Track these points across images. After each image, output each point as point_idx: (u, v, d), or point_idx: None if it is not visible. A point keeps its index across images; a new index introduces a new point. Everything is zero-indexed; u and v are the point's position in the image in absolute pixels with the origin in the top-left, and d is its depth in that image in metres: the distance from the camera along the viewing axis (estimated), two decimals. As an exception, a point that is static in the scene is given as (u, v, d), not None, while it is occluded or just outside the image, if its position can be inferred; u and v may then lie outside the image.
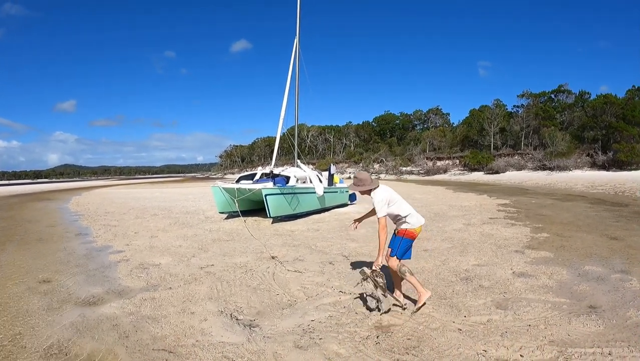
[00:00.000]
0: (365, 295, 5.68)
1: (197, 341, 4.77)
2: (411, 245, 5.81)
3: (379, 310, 5.41)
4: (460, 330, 4.85)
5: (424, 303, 5.56)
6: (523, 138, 67.77)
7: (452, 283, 6.75)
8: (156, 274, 7.82)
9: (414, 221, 5.74)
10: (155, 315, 5.64)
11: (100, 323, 5.40)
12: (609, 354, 4.14)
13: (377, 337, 4.71)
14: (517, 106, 75.79)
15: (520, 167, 57.26)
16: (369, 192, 5.72)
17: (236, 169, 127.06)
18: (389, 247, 5.71)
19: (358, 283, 5.71)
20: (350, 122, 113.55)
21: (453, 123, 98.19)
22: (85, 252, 10.19)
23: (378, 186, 5.75)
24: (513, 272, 7.26)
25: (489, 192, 27.85)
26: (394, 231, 5.85)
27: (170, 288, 6.90)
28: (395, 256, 5.63)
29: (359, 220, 6.59)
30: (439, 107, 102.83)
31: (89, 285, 7.23)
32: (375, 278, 5.50)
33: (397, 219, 5.76)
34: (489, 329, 4.84)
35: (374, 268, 5.54)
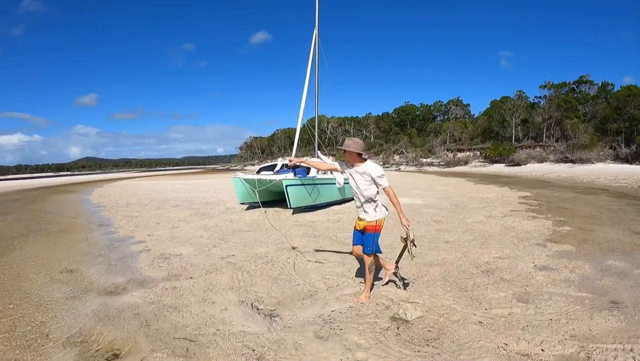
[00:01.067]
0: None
1: (217, 330, 4.84)
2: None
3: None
4: (481, 322, 4.84)
5: (362, 303, 5.54)
6: (545, 130, 66.67)
7: (473, 275, 6.72)
8: (177, 264, 7.94)
9: (383, 210, 5.73)
10: (177, 304, 5.73)
11: (122, 312, 5.51)
12: (631, 350, 4.08)
13: (398, 328, 4.72)
14: (539, 97, 74.30)
15: (541, 160, 56.29)
16: (360, 158, 5.55)
17: (256, 161, 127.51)
18: (364, 248, 5.66)
19: (411, 255, 5.73)
20: (370, 113, 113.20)
21: (474, 114, 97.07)
22: (107, 242, 10.39)
23: None
24: (535, 265, 7.20)
25: (510, 184, 27.53)
26: (361, 226, 5.75)
27: (192, 277, 7.00)
28: (372, 253, 5.63)
29: None
30: (460, 98, 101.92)
31: (111, 275, 7.38)
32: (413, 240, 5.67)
33: (370, 201, 5.60)
34: (510, 322, 4.82)
35: (408, 228, 5.57)
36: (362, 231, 5.73)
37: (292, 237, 10.12)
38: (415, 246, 5.75)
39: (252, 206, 15.94)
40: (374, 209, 5.57)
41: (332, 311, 5.33)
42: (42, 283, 7.07)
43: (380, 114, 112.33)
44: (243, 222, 12.89)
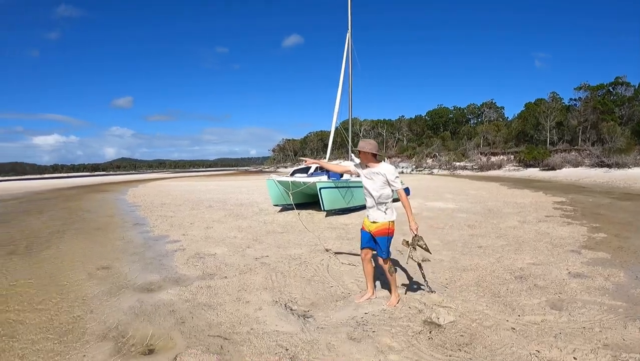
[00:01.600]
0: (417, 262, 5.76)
1: (251, 329, 4.90)
2: None
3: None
4: (514, 328, 4.80)
5: (395, 305, 5.53)
6: (580, 133, 65.19)
7: (507, 281, 6.66)
8: (212, 263, 8.07)
9: (395, 212, 5.67)
10: (211, 303, 5.83)
11: (157, 309, 5.64)
12: (665, 361, 4.01)
13: (430, 332, 4.71)
14: (574, 99, 72.45)
15: (577, 164, 54.88)
16: (374, 159, 5.58)
17: (289, 163, 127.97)
18: (379, 254, 5.60)
19: (409, 256, 5.69)
20: (403, 116, 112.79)
21: (507, 117, 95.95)
22: (143, 241, 10.62)
23: None
24: (569, 272, 7.08)
25: (544, 189, 27.02)
26: (372, 228, 5.61)
27: (226, 277, 7.10)
28: (388, 258, 5.58)
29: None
30: (493, 101, 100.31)
31: (147, 273, 7.55)
32: (418, 241, 5.65)
33: (382, 202, 5.53)
34: (542, 329, 4.76)
35: (415, 233, 5.57)
36: (371, 234, 5.64)
37: (326, 239, 10.16)
38: (426, 249, 5.70)
39: (285, 208, 16.06)
40: (385, 211, 5.52)
41: (365, 313, 5.34)
42: (79, 279, 7.29)
43: (413, 117, 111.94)
44: (277, 224, 12.99)
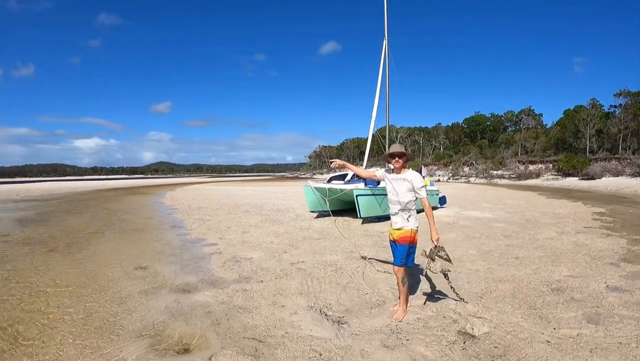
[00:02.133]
0: (441, 271, 5.69)
1: (286, 333, 4.95)
2: None
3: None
4: (549, 342, 4.72)
5: (400, 320, 5.38)
6: (621, 141, 63.65)
7: (543, 293, 6.54)
8: (248, 267, 8.16)
9: (417, 221, 5.62)
10: (247, 306, 5.90)
11: (193, 310, 5.73)
12: None
13: (464, 342, 4.67)
14: (615, 106, 70.79)
15: (617, 173, 53.25)
16: (404, 165, 5.59)
17: (325, 170, 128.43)
18: (395, 259, 5.53)
19: (427, 268, 5.70)
20: (440, 123, 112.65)
21: (546, 124, 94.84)
22: (180, 243, 10.81)
23: None
24: (607, 286, 6.91)
25: (583, 199, 26.39)
26: (396, 235, 5.55)
27: (262, 281, 7.18)
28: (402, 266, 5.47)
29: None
30: (531, 108, 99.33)
31: (184, 274, 7.69)
32: (439, 252, 5.61)
33: (407, 209, 5.49)
34: (578, 343, 4.67)
35: (436, 244, 5.55)
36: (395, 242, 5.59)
37: (361, 246, 10.15)
38: (447, 259, 5.63)
39: (322, 214, 16.10)
40: (408, 218, 5.49)
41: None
42: (118, 277, 7.49)
43: (450, 124, 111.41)
44: (313, 230, 13.05)
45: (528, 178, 63.63)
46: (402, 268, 5.42)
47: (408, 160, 5.60)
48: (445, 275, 5.76)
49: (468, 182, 66.59)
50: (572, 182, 52.53)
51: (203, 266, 8.27)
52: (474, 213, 18.01)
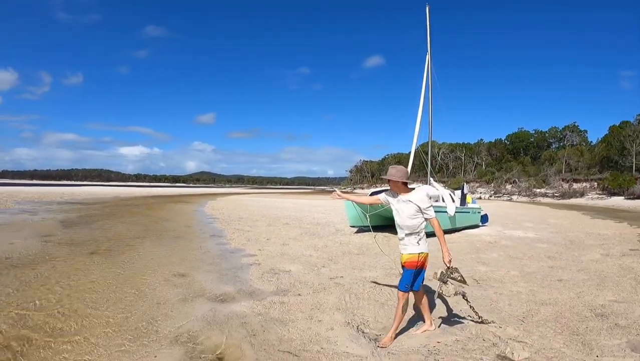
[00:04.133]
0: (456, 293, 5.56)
1: (322, 348, 4.90)
2: None
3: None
4: (591, 369, 4.56)
5: (384, 346, 5.09)
6: None
7: (586, 318, 6.32)
8: (286, 280, 8.16)
9: (426, 244, 5.34)
10: (283, 318, 5.88)
11: (229, 319, 5.75)
12: None
13: (504, 367, 4.56)
14: None
15: None
16: (405, 187, 5.29)
17: (365, 185, 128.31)
18: (400, 283, 5.25)
19: (439, 292, 5.52)
20: (482, 139, 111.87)
21: (591, 141, 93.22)
22: (219, 252, 10.91)
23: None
24: (654, 312, 6.66)
25: (629, 220, 25.55)
26: (406, 262, 5.24)
27: (300, 294, 7.16)
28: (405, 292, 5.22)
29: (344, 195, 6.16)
30: (576, 124, 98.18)
31: (222, 283, 7.74)
32: (451, 274, 5.45)
33: (414, 233, 5.21)
34: None
35: (448, 265, 5.38)
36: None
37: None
38: (461, 281, 5.50)
39: (362, 229, 16.03)
40: (418, 242, 5.21)
41: (438, 342, 5.22)
42: (156, 283, 7.59)
43: (493, 140, 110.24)
44: (352, 245, 12.98)
45: (572, 197, 62.46)
46: (406, 294, 5.19)
47: (407, 184, 5.34)
48: (464, 296, 5.64)
49: (510, 200, 65.75)
50: (618, 201, 51.24)
51: (241, 277, 8.31)
52: (517, 232, 17.70)
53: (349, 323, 5.81)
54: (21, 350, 4.61)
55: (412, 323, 5.97)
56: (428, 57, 20.95)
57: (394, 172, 5.27)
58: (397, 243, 5.43)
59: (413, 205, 5.16)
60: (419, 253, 5.19)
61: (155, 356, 4.49)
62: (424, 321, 5.68)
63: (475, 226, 19.79)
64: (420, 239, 5.22)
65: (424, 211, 5.18)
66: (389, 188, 5.49)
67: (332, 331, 5.45)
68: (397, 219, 5.32)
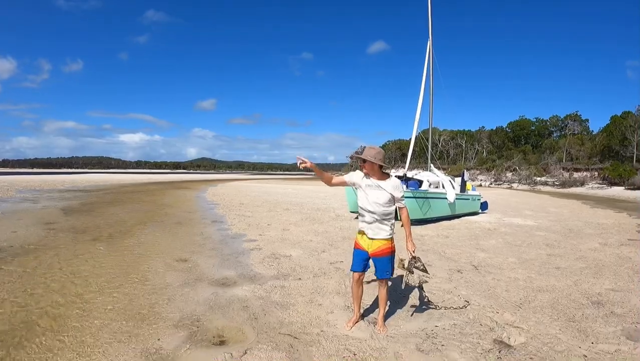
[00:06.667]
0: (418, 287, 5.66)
1: (322, 331, 5.01)
2: None
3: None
4: (586, 356, 4.63)
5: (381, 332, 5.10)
6: None
7: (583, 306, 6.41)
8: (287, 264, 8.28)
9: (394, 228, 5.20)
10: (284, 302, 5.99)
11: (231, 303, 5.86)
12: None
13: (499, 351, 4.62)
14: None
15: None
16: (380, 172, 5.02)
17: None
18: (381, 275, 5.14)
19: (406, 282, 5.53)
20: (483, 127, 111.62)
21: (592, 131, 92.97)
22: (221, 238, 11.03)
23: None
24: (649, 301, 6.75)
25: (629, 210, 25.53)
26: (373, 247, 5.05)
27: (300, 278, 7.28)
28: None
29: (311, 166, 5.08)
30: (578, 113, 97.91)
31: (223, 268, 7.86)
32: (415, 263, 5.50)
33: (384, 219, 4.99)
34: (615, 359, 4.58)
35: (412, 255, 5.41)
36: (366, 252, 5.09)
37: (401, 249, 10.11)
38: (423, 270, 5.52)
39: (362, 215, 16.05)
40: (389, 227, 5.04)
41: (436, 326, 5.32)
42: (158, 268, 7.72)
43: (494, 128, 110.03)
44: (353, 230, 13.00)
45: (572, 186, 62.39)
46: (387, 281, 5.22)
47: (382, 167, 5.05)
48: (421, 288, 5.64)
49: (510, 188, 65.60)
50: (618, 191, 51.11)
51: (242, 261, 8.43)
52: (516, 220, 17.76)
53: (348, 306, 5.90)
54: (26, 334, 4.73)
55: (408, 308, 6.08)
56: (429, 43, 20.90)
57: (373, 153, 4.92)
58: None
59: (386, 193, 4.94)
60: (390, 239, 5.10)
61: (159, 339, 4.60)
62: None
63: (475, 213, 19.88)
64: (391, 224, 5.07)
65: (398, 200, 5.03)
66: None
67: (332, 315, 5.55)
68: (365, 205, 5.00)
